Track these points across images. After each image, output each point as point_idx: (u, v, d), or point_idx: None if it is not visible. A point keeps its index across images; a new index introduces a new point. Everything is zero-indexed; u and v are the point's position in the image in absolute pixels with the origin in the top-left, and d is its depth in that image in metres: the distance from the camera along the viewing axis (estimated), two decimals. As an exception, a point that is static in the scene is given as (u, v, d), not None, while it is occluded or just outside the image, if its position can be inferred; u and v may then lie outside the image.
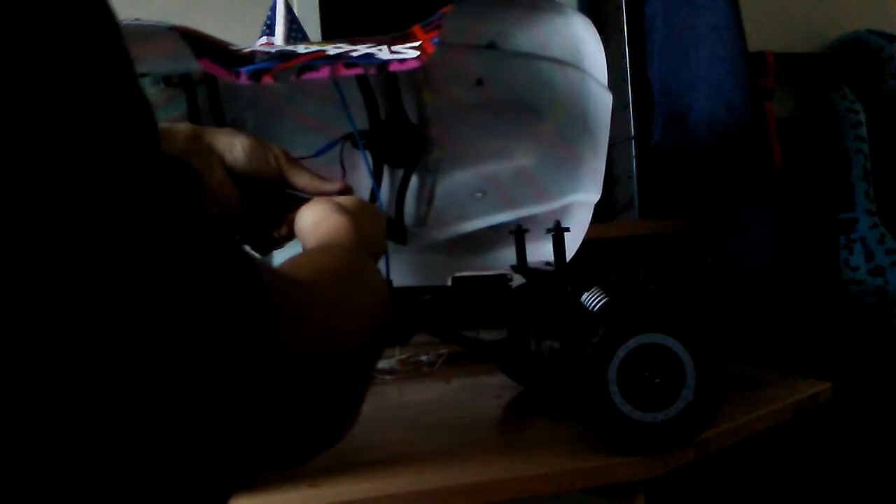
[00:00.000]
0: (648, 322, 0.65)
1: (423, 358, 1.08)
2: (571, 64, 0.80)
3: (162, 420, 0.24)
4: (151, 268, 0.23)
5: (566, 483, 0.65)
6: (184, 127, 0.64)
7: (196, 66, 0.65)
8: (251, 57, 0.65)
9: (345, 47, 0.67)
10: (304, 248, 0.56)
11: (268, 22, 1.13)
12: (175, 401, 0.24)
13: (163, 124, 0.62)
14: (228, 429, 0.27)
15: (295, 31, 1.11)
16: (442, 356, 1.08)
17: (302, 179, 0.68)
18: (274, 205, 0.69)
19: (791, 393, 0.83)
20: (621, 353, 0.64)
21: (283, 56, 0.65)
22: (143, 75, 0.73)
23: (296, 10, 1.14)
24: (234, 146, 0.64)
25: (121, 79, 0.24)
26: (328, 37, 1.21)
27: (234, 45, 0.71)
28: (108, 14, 0.24)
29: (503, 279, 0.74)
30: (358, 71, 0.64)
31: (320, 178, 0.68)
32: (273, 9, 1.12)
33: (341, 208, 0.57)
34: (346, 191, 0.68)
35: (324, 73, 0.63)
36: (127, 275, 0.22)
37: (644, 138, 1.44)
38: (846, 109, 1.66)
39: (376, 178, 0.83)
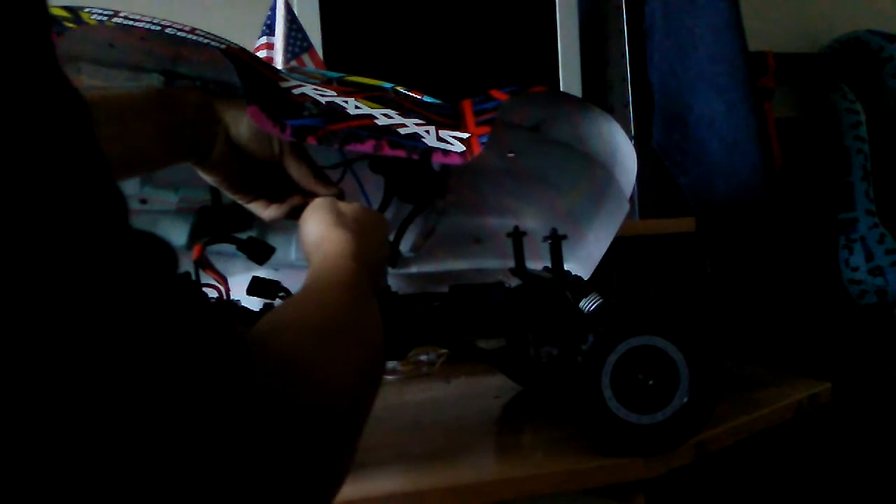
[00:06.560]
0: (640, 324, 0.64)
1: (423, 358, 1.08)
2: (602, 163, 0.81)
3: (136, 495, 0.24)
4: (127, 346, 0.23)
5: (566, 483, 0.65)
6: (194, 95, 0.63)
7: (235, 79, 0.64)
8: (301, 104, 0.62)
9: (395, 118, 0.65)
10: (307, 262, 0.54)
11: (268, 22, 1.13)
12: (154, 476, 0.24)
13: (174, 88, 0.62)
14: (213, 496, 0.27)
15: (295, 31, 1.11)
16: (442, 356, 1.08)
17: (297, 172, 0.67)
18: (275, 186, 0.69)
19: (791, 393, 0.83)
20: (613, 356, 0.64)
21: (332, 113, 0.63)
22: (184, 76, 0.71)
23: (296, 10, 1.14)
24: (240, 121, 0.64)
25: (84, 160, 0.24)
26: (329, 38, 1.20)
27: (283, 74, 0.68)
28: (71, 93, 0.24)
29: (499, 287, 0.74)
30: (400, 153, 0.61)
31: (316, 178, 0.67)
32: (273, 9, 1.12)
33: (344, 221, 0.56)
34: (339, 197, 0.66)
35: (367, 146, 0.61)
36: (103, 357, 0.22)
37: (644, 138, 1.44)
38: (846, 109, 1.66)
39: (384, 204, 0.82)
